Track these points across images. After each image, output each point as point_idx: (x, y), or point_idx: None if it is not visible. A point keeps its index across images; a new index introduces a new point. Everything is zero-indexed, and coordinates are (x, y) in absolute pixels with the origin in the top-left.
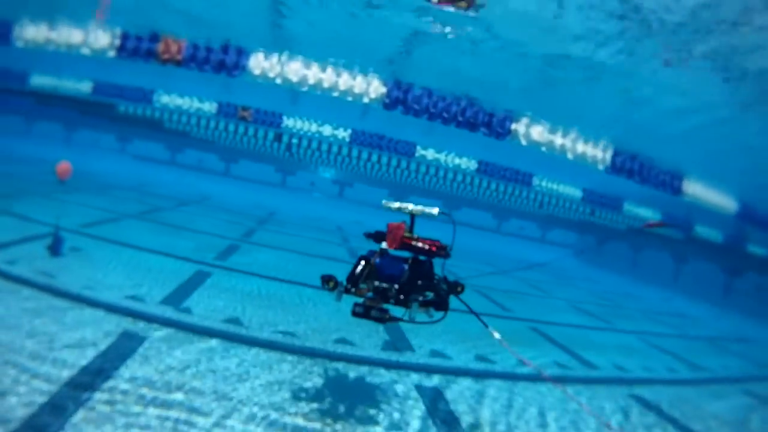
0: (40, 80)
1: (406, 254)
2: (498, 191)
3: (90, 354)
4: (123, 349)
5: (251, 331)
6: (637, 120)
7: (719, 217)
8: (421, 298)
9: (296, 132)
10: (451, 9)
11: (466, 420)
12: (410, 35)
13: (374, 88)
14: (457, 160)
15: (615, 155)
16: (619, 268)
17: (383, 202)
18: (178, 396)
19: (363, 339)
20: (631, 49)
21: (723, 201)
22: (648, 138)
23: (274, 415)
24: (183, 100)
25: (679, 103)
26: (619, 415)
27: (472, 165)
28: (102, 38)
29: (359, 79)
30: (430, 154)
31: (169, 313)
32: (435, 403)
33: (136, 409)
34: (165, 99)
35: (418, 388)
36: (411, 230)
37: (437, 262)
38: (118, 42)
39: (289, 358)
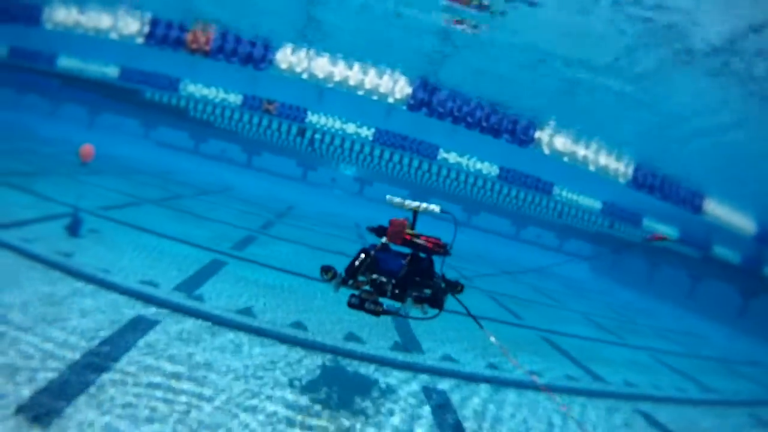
0: (67, 62)
1: (407, 250)
2: (518, 198)
3: (102, 335)
4: (134, 332)
5: (262, 322)
6: (664, 135)
7: (738, 238)
8: (416, 294)
9: (320, 128)
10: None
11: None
12: (439, 38)
13: (400, 88)
14: (478, 165)
15: (637, 170)
16: (635, 283)
17: (387, 197)
18: (184, 381)
19: (373, 336)
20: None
21: (742, 222)
22: (672, 155)
23: (270, 408)
24: (209, 90)
25: (708, 121)
26: (617, 428)
27: (494, 171)
28: (131, 24)
29: (386, 78)
30: (452, 157)
31: (182, 299)
32: (441, 407)
33: (142, 390)
34: (191, 88)
35: (425, 389)
36: (413, 227)
37: (440, 261)
38: (147, 29)
39: (299, 350)
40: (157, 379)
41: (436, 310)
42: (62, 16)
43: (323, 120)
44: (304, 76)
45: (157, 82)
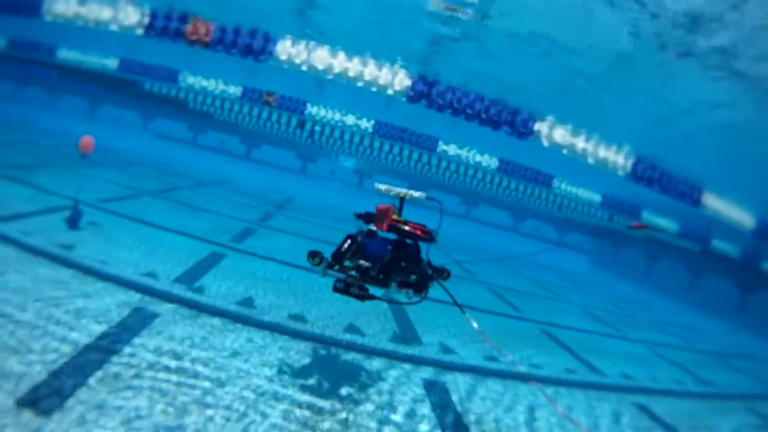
0: (66, 54)
1: (394, 236)
2: (517, 191)
3: (102, 327)
4: (135, 323)
5: (261, 313)
6: (663, 130)
7: (737, 233)
8: (400, 279)
9: (319, 120)
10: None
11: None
12: (434, 34)
13: (399, 80)
14: (478, 157)
15: (636, 163)
16: (634, 275)
17: (375, 185)
18: (183, 374)
19: (372, 328)
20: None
21: (741, 216)
22: (671, 147)
23: (267, 388)
24: (208, 81)
25: (714, 116)
26: (616, 420)
27: (494, 163)
28: (131, 15)
29: (385, 70)
30: (452, 149)
31: (182, 291)
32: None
33: (142, 381)
34: (190, 80)
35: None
36: (399, 213)
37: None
38: (147, 20)
39: (300, 342)
40: (159, 372)
41: (420, 296)
42: (62, 7)
43: (323, 112)
44: (304, 67)
45: (156, 74)
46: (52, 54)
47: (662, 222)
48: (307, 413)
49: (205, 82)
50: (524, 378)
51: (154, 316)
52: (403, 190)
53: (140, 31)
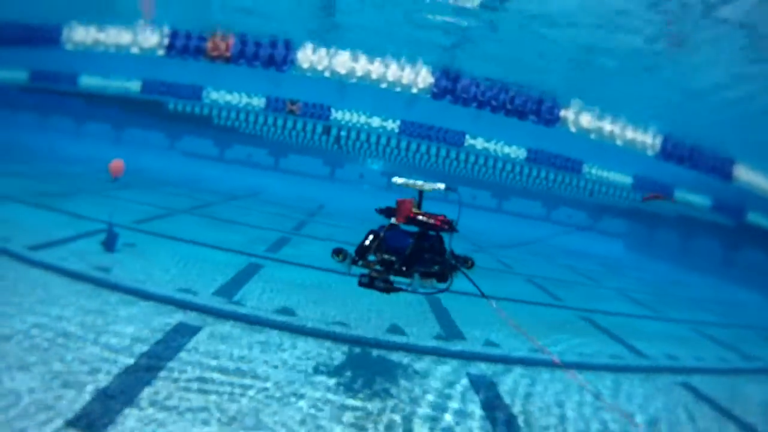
0: (89, 81)
1: (416, 229)
2: (547, 179)
3: (145, 346)
4: (178, 339)
5: (302, 320)
6: (690, 105)
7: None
8: (423, 270)
9: (345, 124)
10: None
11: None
12: (454, 27)
13: (422, 78)
14: (506, 149)
15: (665, 141)
16: (670, 255)
17: (393, 178)
18: (230, 386)
19: (414, 327)
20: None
21: None
22: (700, 122)
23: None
24: (232, 95)
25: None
26: (666, 403)
27: (522, 153)
28: (151, 38)
29: (408, 69)
30: (479, 143)
31: (222, 304)
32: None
33: (189, 396)
34: (214, 95)
35: (469, 375)
36: (419, 206)
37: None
38: (167, 41)
39: (342, 347)
40: (207, 384)
41: (445, 285)
42: (81, 35)
43: (348, 116)
44: (326, 73)
45: (179, 92)
46: (74, 82)
47: (695, 199)
48: (359, 414)
49: (228, 96)
50: (567, 367)
51: (196, 330)
52: (420, 182)
53: (161, 52)
